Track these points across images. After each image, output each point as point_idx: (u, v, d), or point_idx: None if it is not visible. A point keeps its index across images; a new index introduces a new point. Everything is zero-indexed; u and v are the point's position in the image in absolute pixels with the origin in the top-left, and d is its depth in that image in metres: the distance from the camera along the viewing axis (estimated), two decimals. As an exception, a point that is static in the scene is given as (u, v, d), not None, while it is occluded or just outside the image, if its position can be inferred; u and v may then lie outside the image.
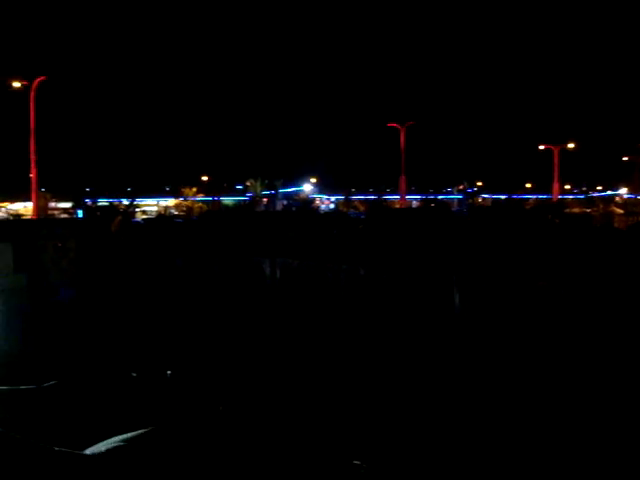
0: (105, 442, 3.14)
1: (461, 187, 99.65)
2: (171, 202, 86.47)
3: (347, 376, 9.89)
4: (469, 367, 10.39)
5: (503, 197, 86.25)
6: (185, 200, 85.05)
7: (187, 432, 3.62)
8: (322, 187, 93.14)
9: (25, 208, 63.93)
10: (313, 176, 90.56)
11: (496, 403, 8.77)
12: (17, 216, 61.72)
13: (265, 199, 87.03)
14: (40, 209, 53.38)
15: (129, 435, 3.25)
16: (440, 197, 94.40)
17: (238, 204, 77.78)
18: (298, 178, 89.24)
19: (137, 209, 66.36)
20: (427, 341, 11.84)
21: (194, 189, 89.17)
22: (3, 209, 71.52)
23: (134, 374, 5.20)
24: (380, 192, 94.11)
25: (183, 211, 75.30)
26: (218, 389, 7.41)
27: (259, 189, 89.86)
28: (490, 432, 7.74)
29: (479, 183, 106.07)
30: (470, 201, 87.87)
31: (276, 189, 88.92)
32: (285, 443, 4.37)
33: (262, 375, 9.77)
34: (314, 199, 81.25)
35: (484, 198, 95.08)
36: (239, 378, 9.26)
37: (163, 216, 61.75)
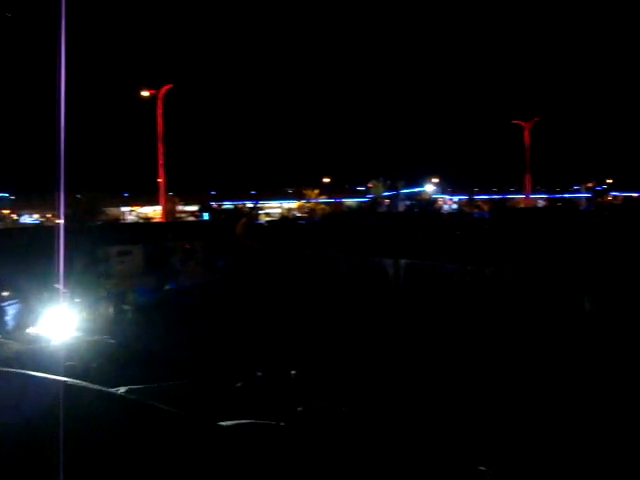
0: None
1: (589, 185, 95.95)
2: (294, 204, 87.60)
3: (472, 379, 9.68)
4: (600, 371, 9.96)
5: (635, 195, 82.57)
6: (307, 202, 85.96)
7: (309, 430, 3.60)
8: (444, 187, 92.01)
9: (154, 211, 66.34)
10: (435, 176, 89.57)
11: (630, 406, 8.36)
12: (146, 219, 64.15)
13: (387, 200, 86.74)
14: (168, 212, 55.25)
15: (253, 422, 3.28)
16: (567, 196, 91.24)
17: (360, 205, 77.87)
18: (420, 178, 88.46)
19: (260, 211, 67.58)
20: (555, 343, 11.45)
21: (316, 191, 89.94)
22: (134, 213, 74.52)
23: (259, 373, 5.25)
24: (504, 192, 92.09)
25: (306, 213, 76.08)
26: (342, 390, 7.41)
27: (381, 190, 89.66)
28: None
29: (609, 180, 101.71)
30: (599, 200, 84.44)
31: (398, 190, 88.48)
32: (410, 446, 4.30)
33: (386, 377, 9.70)
34: (437, 199, 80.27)
35: (614, 196, 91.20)
36: (363, 379, 9.22)
37: (286, 218, 62.60)
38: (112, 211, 68.91)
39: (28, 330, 8.47)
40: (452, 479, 3.61)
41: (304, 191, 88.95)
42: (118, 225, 48.99)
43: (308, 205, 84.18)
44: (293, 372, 5.34)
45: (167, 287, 18.53)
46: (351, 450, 3.54)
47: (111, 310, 13.69)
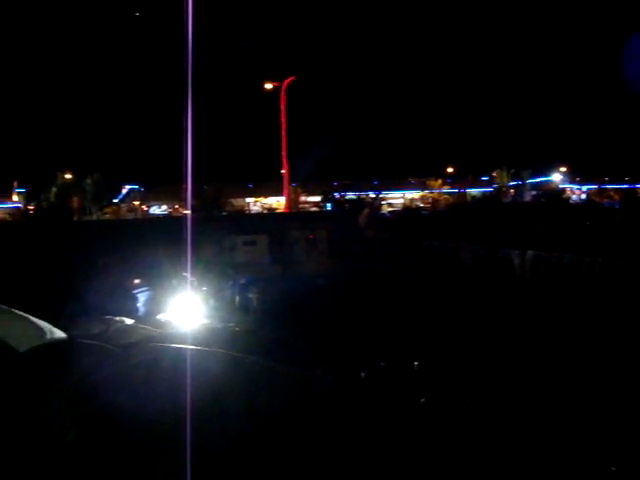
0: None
1: None
2: (416, 194, 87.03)
3: (606, 375, 9.26)
4: None
5: None
6: (430, 192, 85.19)
7: (431, 422, 3.51)
8: (572, 177, 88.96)
9: (277, 202, 67.42)
10: (563, 165, 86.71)
11: None
12: (270, 210, 65.30)
13: (512, 190, 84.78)
14: (291, 203, 56.01)
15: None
16: None
17: (484, 195, 76.46)
18: (547, 168, 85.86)
19: (383, 202, 67.48)
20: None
21: (439, 181, 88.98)
22: (258, 203, 76.00)
23: (382, 364, 5.18)
24: (637, 181, 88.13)
25: (429, 203, 75.44)
26: (466, 383, 7.23)
27: (505, 180, 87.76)
28: None
29: None
30: None
31: (523, 179, 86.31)
32: (541, 444, 4.11)
33: (512, 372, 9.42)
34: (564, 189, 77.76)
35: None
36: (487, 373, 8.99)
37: (409, 208, 62.25)
38: (237, 202, 70.55)
39: (158, 316, 8.73)
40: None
41: (427, 181, 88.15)
42: (243, 215, 50.03)
43: (431, 195, 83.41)
44: (416, 363, 5.24)
45: (291, 277, 18.75)
46: (475, 444, 3.42)
47: (236, 298, 13.96)
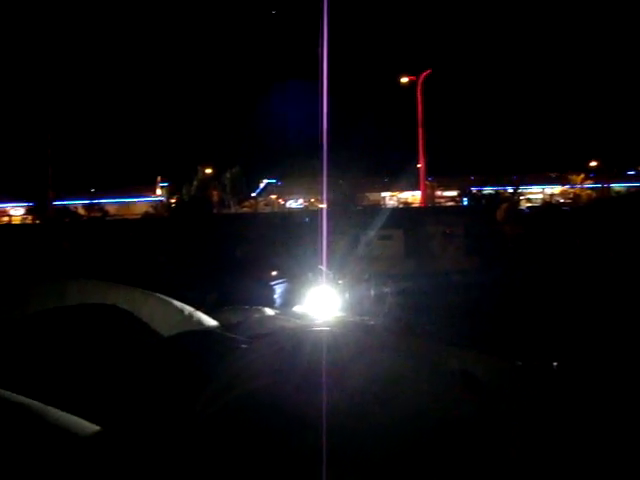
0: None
1: None
2: (556, 189, 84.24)
3: None
4: None
5: None
6: (572, 187, 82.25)
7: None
8: None
9: (413, 197, 67.04)
10: None
11: None
12: (406, 204, 65.00)
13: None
14: (427, 197, 55.56)
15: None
16: None
17: (629, 191, 72.98)
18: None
19: (522, 197, 65.74)
20: None
21: (581, 175, 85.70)
22: (394, 198, 75.81)
23: (519, 363, 5.01)
24: None
25: (570, 199, 72.88)
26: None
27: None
28: None
29: None
30: None
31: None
32: None
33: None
34: None
35: None
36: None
37: (549, 204, 60.34)
38: (373, 196, 70.62)
39: (294, 308, 8.85)
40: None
41: (568, 175, 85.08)
42: (379, 210, 50.09)
43: (572, 190, 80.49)
44: (555, 363, 5.06)
45: (426, 272, 18.59)
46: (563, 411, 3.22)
47: (372, 292, 13.95)
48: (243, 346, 3.69)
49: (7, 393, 1.95)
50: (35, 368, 2.08)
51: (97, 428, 1.95)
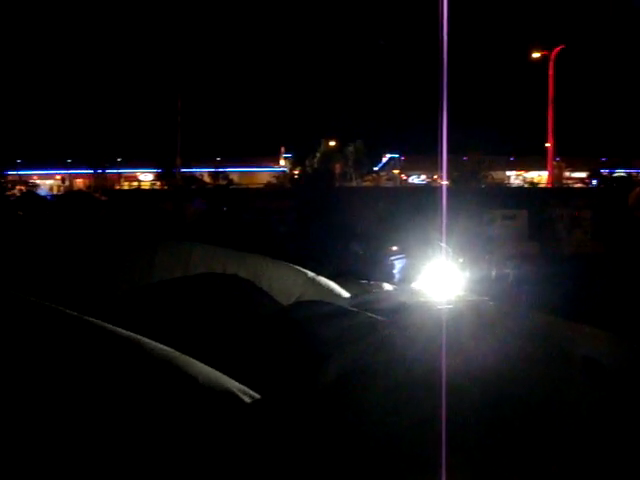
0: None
1: None
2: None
3: None
4: None
5: None
6: None
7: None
8: None
9: (539, 177, 65.06)
10: None
11: None
12: (532, 184, 63.21)
13: None
14: (555, 178, 53.86)
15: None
16: None
17: None
18: None
19: (655, 181, 62.63)
20: None
21: None
22: (520, 177, 73.87)
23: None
24: None
25: None
26: None
27: None
28: None
29: None
30: None
31: None
32: None
33: None
34: None
35: None
36: None
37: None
38: (497, 174, 69.04)
39: (412, 284, 8.80)
40: None
41: None
42: (503, 189, 48.99)
43: None
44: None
45: (550, 255, 18.07)
46: None
47: (492, 272, 13.70)
48: (367, 320, 3.70)
49: (183, 358, 2.02)
50: (158, 338, 2.15)
51: (257, 396, 2.00)
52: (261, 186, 54.60)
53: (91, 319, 2.08)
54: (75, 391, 1.65)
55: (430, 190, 33.47)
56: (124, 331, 2.10)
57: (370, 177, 70.96)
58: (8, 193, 38.16)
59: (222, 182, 49.36)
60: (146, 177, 66.08)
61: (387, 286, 6.87)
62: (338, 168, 66.57)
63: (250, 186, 53.32)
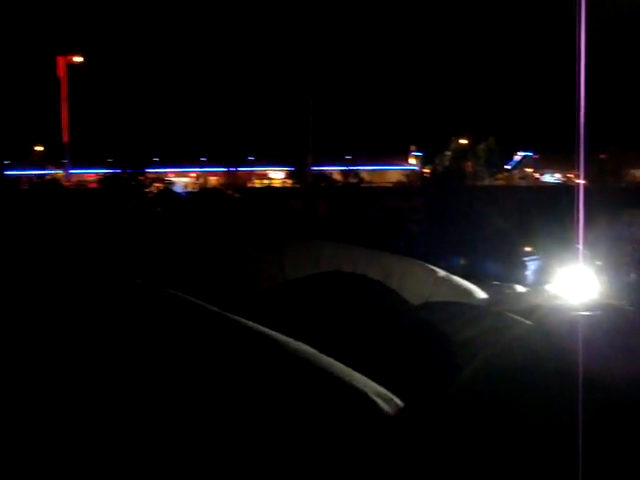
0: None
1: None
2: None
3: None
4: None
5: None
6: None
7: None
8: None
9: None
10: None
11: None
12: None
13: None
14: None
15: None
16: None
17: None
18: None
19: None
20: None
21: None
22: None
23: None
24: None
25: None
26: None
27: None
28: None
29: None
30: None
31: None
32: None
33: None
34: None
35: None
36: None
37: None
38: (639, 172, 65.90)
39: (546, 286, 8.53)
40: None
41: None
42: (644, 188, 46.67)
43: None
44: None
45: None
46: None
47: (633, 277, 13.09)
48: (506, 322, 3.62)
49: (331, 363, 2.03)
50: (294, 335, 2.17)
51: (396, 400, 2.00)
52: (391, 184, 54.36)
53: (239, 318, 2.13)
54: (220, 384, 1.69)
55: (565, 189, 32.32)
56: (270, 331, 2.13)
57: (502, 176, 69.39)
58: (147, 190, 39.64)
59: (352, 180, 49.52)
60: (277, 175, 67.20)
61: (520, 287, 6.70)
62: (469, 166, 65.49)
63: (380, 184, 53.23)
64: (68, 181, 51.57)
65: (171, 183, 50.18)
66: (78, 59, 56.89)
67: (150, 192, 38.41)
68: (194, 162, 70.04)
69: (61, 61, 56.53)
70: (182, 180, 63.13)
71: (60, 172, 56.37)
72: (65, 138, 56.82)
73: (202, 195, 32.05)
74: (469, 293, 4.94)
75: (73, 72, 57.24)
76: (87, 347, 1.82)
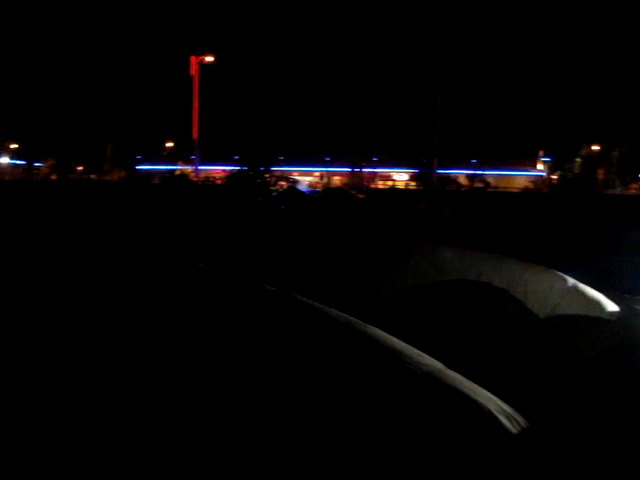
0: None
1: None
2: None
3: None
4: None
5: None
6: None
7: None
8: None
9: None
10: None
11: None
12: None
13: None
14: None
15: None
16: None
17: None
18: None
19: None
20: None
21: None
22: None
23: None
24: None
25: None
26: None
27: None
28: None
29: None
30: None
31: None
32: None
33: None
34: None
35: None
36: None
37: None
38: None
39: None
40: None
41: None
42: None
43: None
44: None
45: None
46: None
47: None
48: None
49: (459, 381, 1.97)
50: (415, 344, 2.10)
51: (522, 420, 1.90)
52: (518, 190, 53.21)
53: (364, 327, 2.09)
54: (340, 395, 1.64)
55: None
56: (395, 341, 2.08)
57: (636, 185, 66.65)
58: (272, 188, 40.42)
59: (478, 184, 48.80)
60: (401, 177, 67.09)
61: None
62: (600, 174, 63.24)
63: (506, 189, 52.17)
64: (197, 177, 53.27)
65: (295, 182, 51.01)
66: (210, 59, 58.64)
67: (275, 190, 39.12)
68: (318, 161, 71.01)
69: (194, 60, 58.43)
70: (306, 179, 64.10)
71: (189, 168, 58.32)
72: (195, 135, 58.72)
73: (326, 194, 32.31)
74: (599, 305, 4.67)
75: (204, 71, 59.10)
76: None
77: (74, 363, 1.69)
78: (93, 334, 1.82)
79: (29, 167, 68.72)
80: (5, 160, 69.11)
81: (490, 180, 55.41)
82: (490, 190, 45.55)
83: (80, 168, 70.20)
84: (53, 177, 61.80)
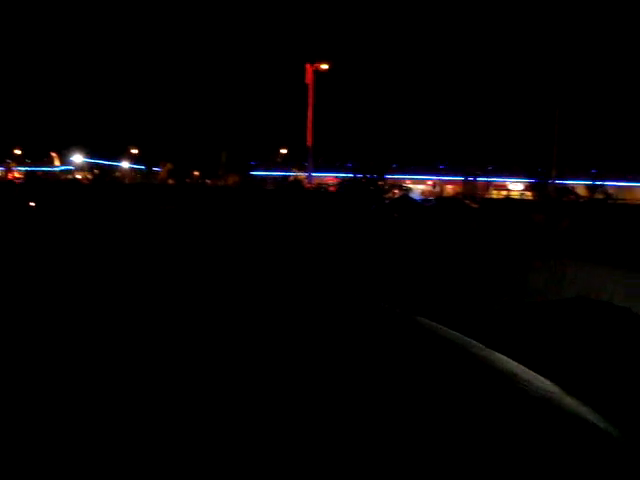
0: None
1: None
2: None
3: None
4: None
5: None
6: None
7: None
8: None
9: None
10: None
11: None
12: None
13: None
14: None
15: None
16: None
17: None
18: None
19: None
20: None
21: None
22: None
23: None
24: None
25: None
26: None
27: None
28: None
29: None
30: None
31: None
32: None
33: None
34: None
35: None
36: None
37: None
38: None
39: None
40: None
41: None
42: None
43: None
44: None
45: None
46: None
47: None
48: None
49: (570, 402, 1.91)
50: (528, 364, 2.04)
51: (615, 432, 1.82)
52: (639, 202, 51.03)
53: (487, 354, 2.04)
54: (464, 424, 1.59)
55: None
56: (501, 360, 2.02)
57: None
58: (385, 196, 40.26)
59: (599, 196, 47.09)
60: (516, 187, 65.54)
61: None
62: None
63: (629, 201, 50.10)
64: (310, 183, 53.83)
65: (408, 190, 50.65)
66: (325, 66, 59.22)
67: (388, 198, 38.95)
68: (431, 169, 70.42)
69: (309, 68, 59.15)
70: (418, 187, 63.58)
71: (302, 174, 58.97)
72: (309, 142, 59.39)
73: (440, 204, 31.91)
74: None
75: (319, 78, 59.73)
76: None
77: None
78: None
79: (149, 171, 71.51)
80: (126, 164, 72.43)
81: (611, 191, 53.28)
82: (611, 202, 43.74)
83: (196, 173, 72.29)
84: (170, 181, 63.85)
